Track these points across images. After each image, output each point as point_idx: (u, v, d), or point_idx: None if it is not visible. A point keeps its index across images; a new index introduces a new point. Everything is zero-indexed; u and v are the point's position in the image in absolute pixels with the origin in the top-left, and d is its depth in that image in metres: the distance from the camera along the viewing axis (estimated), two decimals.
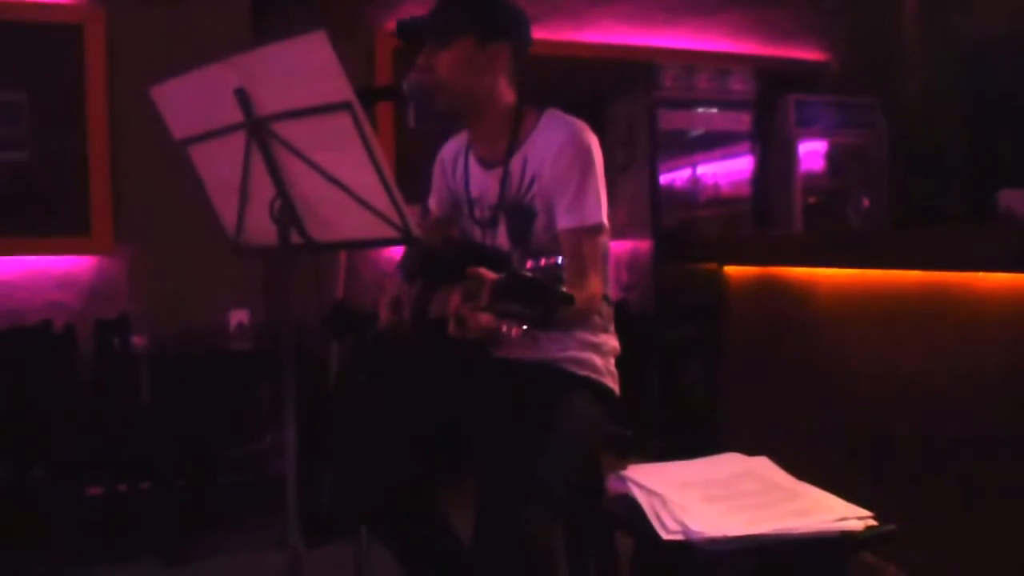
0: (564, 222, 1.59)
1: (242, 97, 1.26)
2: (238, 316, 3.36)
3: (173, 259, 3.46)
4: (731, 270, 3.16)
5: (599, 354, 1.72)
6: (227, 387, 3.26)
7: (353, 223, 1.29)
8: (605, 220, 1.60)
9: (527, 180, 1.65)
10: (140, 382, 3.04)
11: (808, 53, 4.64)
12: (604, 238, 1.62)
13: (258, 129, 1.28)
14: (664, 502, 1.32)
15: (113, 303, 3.41)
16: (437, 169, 1.89)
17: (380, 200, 1.25)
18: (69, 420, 2.91)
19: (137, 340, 3.19)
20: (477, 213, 1.75)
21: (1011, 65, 3.76)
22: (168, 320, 3.38)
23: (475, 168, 1.76)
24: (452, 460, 1.68)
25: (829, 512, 1.31)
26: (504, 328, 1.13)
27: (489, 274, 1.16)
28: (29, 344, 3.01)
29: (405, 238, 1.27)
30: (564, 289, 1.07)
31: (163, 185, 3.27)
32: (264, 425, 3.36)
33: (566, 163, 1.59)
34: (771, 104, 4.15)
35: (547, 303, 1.06)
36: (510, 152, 1.67)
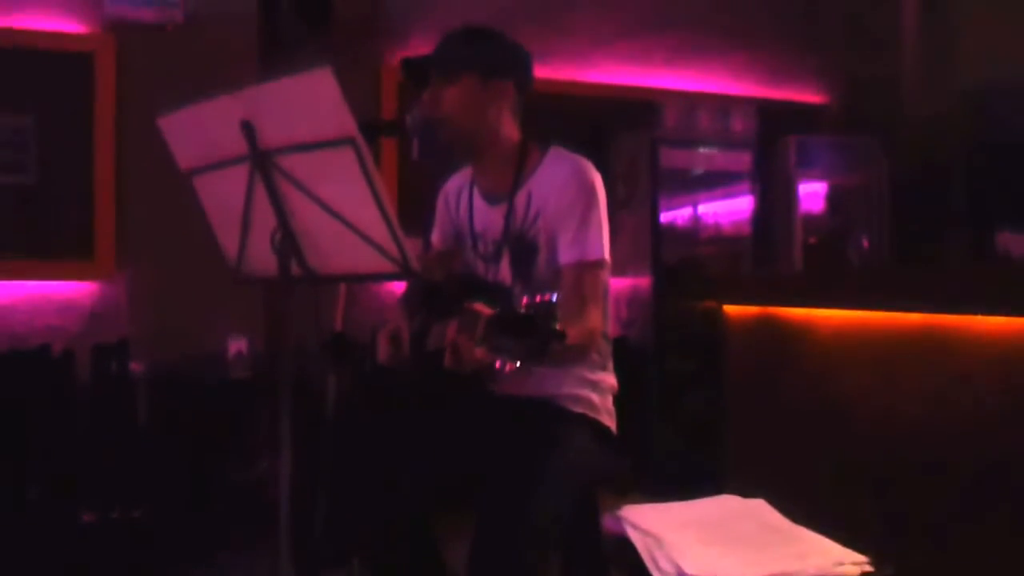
0: (566, 256, 1.61)
1: (248, 129, 1.28)
2: (237, 344, 3.36)
3: (174, 286, 3.47)
4: (731, 309, 3.17)
5: (597, 392, 1.72)
6: (224, 415, 3.25)
7: (353, 256, 1.30)
8: (607, 256, 1.61)
9: (531, 215, 1.67)
10: (137, 408, 3.04)
11: (808, 95, 4.69)
12: (605, 274, 1.63)
13: (262, 161, 1.29)
14: (659, 543, 1.31)
15: (113, 328, 3.40)
16: (440, 203, 1.90)
17: (381, 234, 1.25)
18: (65, 445, 2.89)
19: (135, 366, 3.19)
20: (481, 248, 1.77)
21: (1010, 105, 3.79)
22: (167, 347, 3.38)
23: (479, 203, 1.78)
24: (448, 494, 1.67)
25: (825, 556, 1.30)
26: (498, 363, 1.14)
27: (485, 309, 1.17)
28: (27, 368, 3.00)
29: (404, 273, 1.28)
30: (557, 326, 1.08)
31: (166, 212, 3.28)
32: (261, 454, 3.34)
33: (569, 198, 1.61)
34: (771, 144, 4.19)
35: (540, 339, 1.08)
36: (515, 188, 1.69)
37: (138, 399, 3.06)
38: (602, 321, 1.63)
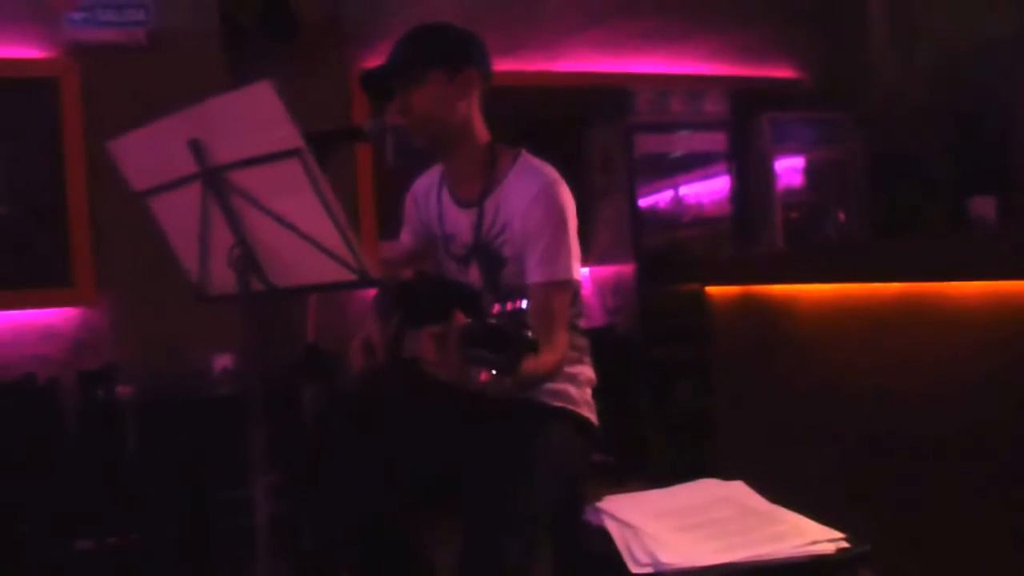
0: (534, 276, 1.60)
1: (196, 147, 1.27)
2: (222, 361, 3.35)
3: (156, 306, 3.44)
4: (713, 290, 3.17)
5: (574, 384, 1.72)
6: (214, 432, 3.23)
7: (312, 268, 1.30)
8: (575, 276, 1.61)
9: (498, 227, 1.67)
10: (126, 432, 3.02)
11: (780, 71, 4.68)
12: (569, 294, 1.63)
13: (213, 178, 1.29)
14: (636, 533, 1.31)
15: (97, 354, 3.39)
16: (409, 203, 1.90)
17: (337, 245, 1.25)
18: (53, 474, 2.88)
19: (122, 390, 3.18)
20: (452, 249, 1.77)
21: (982, 73, 3.79)
22: (152, 368, 3.36)
23: (449, 205, 1.77)
24: (432, 496, 1.67)
25: (801, 536, 1.30)
26: (472, 373, 1.14)
27: (460, 318, 1.17)
28: (11, 399, 2.99)
29: (363, 281, 1.27)
30: (529, 334, 1.08)
31: (143, 232, 3.24)
32: (254, 469, 3.33)
33: (538, 218, 1.60)
34: (746, 123, 4.18)
35: (513, 350, 1.07)
36: (484, 194, 1.68)
37: (127, 423, 3.05)
38: (567, 341, 1.62)
